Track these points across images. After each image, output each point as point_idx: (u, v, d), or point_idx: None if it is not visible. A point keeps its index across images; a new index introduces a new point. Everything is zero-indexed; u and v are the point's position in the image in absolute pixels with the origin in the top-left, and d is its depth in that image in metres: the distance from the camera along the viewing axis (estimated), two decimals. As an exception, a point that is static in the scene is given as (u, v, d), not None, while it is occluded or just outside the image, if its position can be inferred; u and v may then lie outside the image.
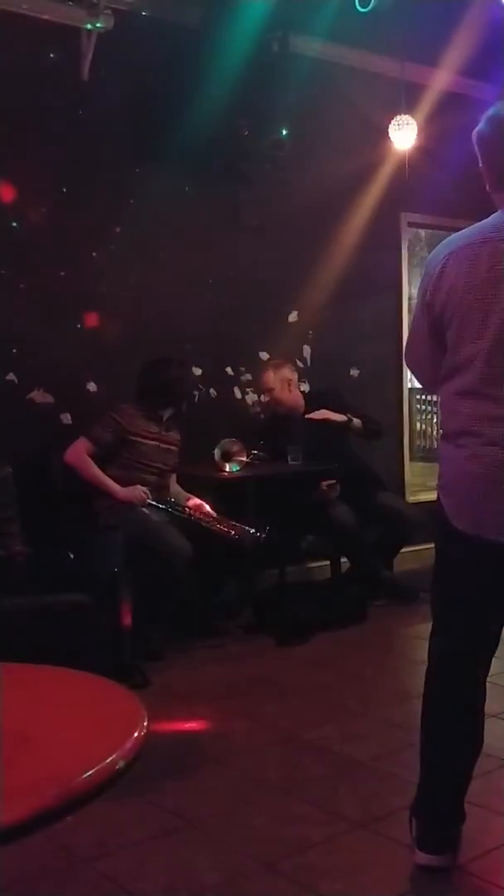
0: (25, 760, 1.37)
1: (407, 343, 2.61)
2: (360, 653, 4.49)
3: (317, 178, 5.62)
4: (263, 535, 4.48)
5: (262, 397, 5.37)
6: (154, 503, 4.48)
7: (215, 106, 4.67)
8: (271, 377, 5.20)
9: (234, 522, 4.51)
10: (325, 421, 5.13)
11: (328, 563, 5.32)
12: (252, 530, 4.46)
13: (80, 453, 4.47)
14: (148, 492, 4.49)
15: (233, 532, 4.47)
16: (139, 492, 4.46)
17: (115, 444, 4.50)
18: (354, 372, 6.02)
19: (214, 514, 4.61)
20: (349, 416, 5.19)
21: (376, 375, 6.12)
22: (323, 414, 5.14)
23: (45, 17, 4.60)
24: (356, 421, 5.21)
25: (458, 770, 2.47)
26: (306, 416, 5.15)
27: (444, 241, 2.43)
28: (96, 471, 4.46)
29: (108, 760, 1.31)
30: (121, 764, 1.32)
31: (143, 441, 4.54)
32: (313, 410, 5.19)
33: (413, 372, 2.70)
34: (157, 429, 4.61)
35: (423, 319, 2.44)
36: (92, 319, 4.91)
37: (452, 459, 2.39)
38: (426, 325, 2.42)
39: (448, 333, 2.36)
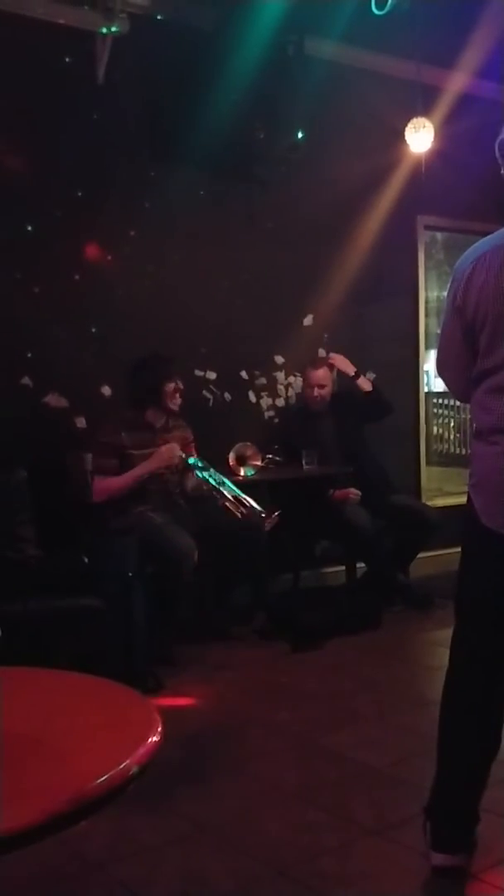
0: (39, 765, 1.36)
1: (438, 349, 2.60)
2: (375, 659, 4.47)
3: (332, 181, 5.61)
4: (270, 519, 4.31)
5: (313, 392, 5.27)
6: (192, 463, 4.42)
7: (230, 109, 4.67)
8: (324, 374, 5.22)
9: (248, 501, 4.32)
10: (331, 366, 5.25)
11: (343, 567, 5.30)
12: (261, 511, 4.30)
13: (99, 489, 4.40)
14: (177, 447, 4.43)
15: (241, 511, 4.31)
16: (168, 452, 4.40)
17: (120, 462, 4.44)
18: (370, 375, 5.99)
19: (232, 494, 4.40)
20: (359, 373, 5.29)
21: (393, 379, 6.08)
22: (338, 359, 5.27)
23: (61, 21, 4.61)
24: (364, 381, 5.27)
25: (476, 770, 2.46)
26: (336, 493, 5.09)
27: (471, 248, 2.46)
28: (121, 480, 4.38)
29: (121, 766, 1.30)
30: (134, 769, 1.31)
31: (136, 453, 4.42)
32: (336, 407, 5.21)
33: (445, 378, 2.66)
34: (149, 435, 4.48)
35: (454, 324, 2.45)
36: (106, 323, 4.91)
37: (484, 457, 2.39)
38: (459, 330, 2.44)
39: (481, 337, 2.38)
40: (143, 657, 3.96)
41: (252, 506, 4.29)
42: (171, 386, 4.52)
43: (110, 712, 1.57)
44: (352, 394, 5.36)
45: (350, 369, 5.27)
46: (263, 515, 4.31)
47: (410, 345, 6.19)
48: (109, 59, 4.70)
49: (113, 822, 2.71)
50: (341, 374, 5.34)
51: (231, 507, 4.30)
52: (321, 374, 5.24)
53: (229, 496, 4.32)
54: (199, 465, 4.43)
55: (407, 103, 5.67)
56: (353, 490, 4.99)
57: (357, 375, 5.27)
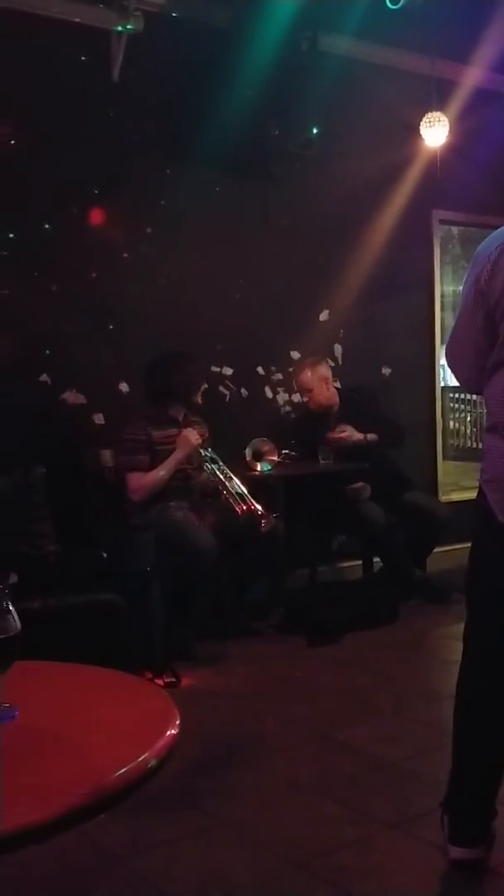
0: (58, 759, 1.38)
1: (453, 335, 2.49)
2: (392, 653, 4.47)
3: (347, 176, 5.61)
4: (265, 522, 4.34)
5: (302, 398, 5.34)
6: (207, 455, 4.46)
7: (245, 106, 4.68)
8: (309, 377, 5.18)
9: (249, 500, 4.37)
10: (342, 440, 5.06)
11: (359, 562, 5.30)
12: (260, 511, 4.34)
13: (138, 487, 4.42)
14: (194, 432, 4.47)
15: (241, 507, 4.34)
16: (188, 437, 4.44)
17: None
18: (386, 370, 6.00)
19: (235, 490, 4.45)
20: (366, 435, 5.09)
21: (408, 374, 6.09)
22: (346, 433, 5.08)
23: (76, 20, 4.63)
24: (370, 436, 5.10)
25: (492, 764, 2.47)
26: (330, 434, 5.09)
27: (496, 232, 2.38)
28: (156, 475, 4.42)
29: (140, 759, 1.31)
30: (153, 763, 1.32)
31: (162, 448, 4.47)
32: (347, 407, 5.19)
33: (456, 365, 2.55)
34: (174, 430, 4.53)
35: (475, 308, 2.36)
36: (123, 320, 4.93)
37: (499, 452, 2.36)
38: (480, 315, 2.35)
39: (502, 325, 2.30)
40: (161, 652, 3.98)
41: (252, 505, 4.32)
42: (203, 384, 4.65)
43: (129, 706, 1.58)
44: (360, 389, 5.35)
45: (358, 436, 5.09)
46: (261, 516, 4.33)
47: (426, 339, 6.18)
48: (124, 58, 4.72)
49: (132, 815, 2.72)
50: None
51: (233, 503, 4.35)
52: (302, 379, 5.22)
53: (234, 492, 4.35)
54: (212, 457, 4.45)
55: (421, 98, 5.66)
56: (361, 483, 4.97)
57: (366, 437, 5.10)
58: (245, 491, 4.40)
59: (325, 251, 5.60)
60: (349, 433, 5.07)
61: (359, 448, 5.08)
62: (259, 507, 4.34)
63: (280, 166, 5.24)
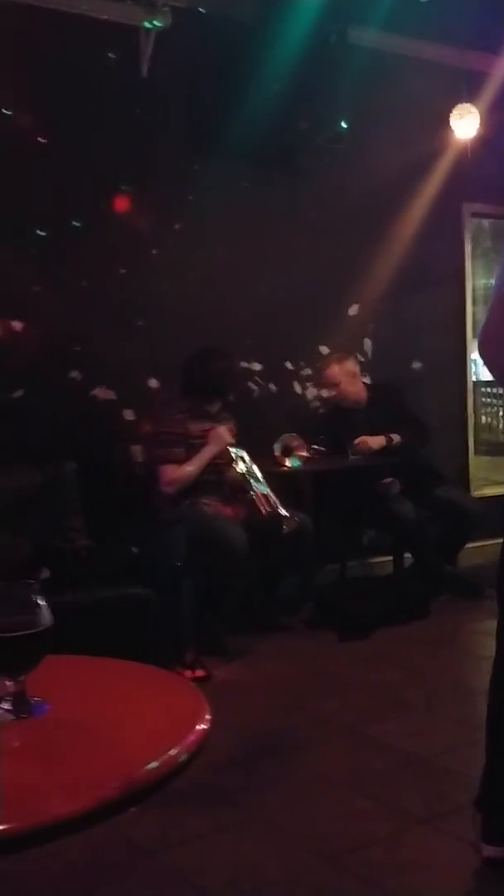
0: (89, 752, 1.38)
1: (485, 328, 2.30)
2: (423, 649, 4.45)
3: (376, 169, 5.58)
4: (288, 524, 4.34)
5: (328, 392, 5.33)
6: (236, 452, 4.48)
7: (273, 100, 4.67)
8: (336, 371, 5.17)
9: (274, 501, 4.38)
10: (365, 444, 5.03)
11: (390, 558, 5.29)
12: (284, 515, 4.35)
13: (171, 480, 4.44)
14: (225, 429, 4.51)
15: (265, 508, 4.36)
16: (221, 433, 4.47)
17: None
18: (417, 365, 5.96)
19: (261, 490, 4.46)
20: (388, 437, 5.06)
21: (439, 368, 6.05)
22: (363, 442, 5.05)
23: (104, 16, 4.65)
24: (395, 438, 5.06)
25: None
26: (354, 443, 5.05)
27: None
28: (188, 469, 4.45)
29: (170, 753, 1.31)
30: (183, 757, 1.32)
31: (197, 442, 4.50)
32: (374, 403, 5.17)
33: (489, 358, 2.34)
34: (208, 424, 4.57)
35: None
36: (152, 316, 4.94)
37: None
38: None
39: None
40: (191, 646, 3.99)
41: (276, 507, 4.33)
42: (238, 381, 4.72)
43: (159, 700, 1.58)
44: (388, 386, 5.33)
45: (378, 442, 5.05)
46: (284, 518, 4.33)
47: (457, 333, 6.14)
48: (153, 54, 4.73)
49: (163, 809, 2.74)
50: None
51: (258, 503, 4.36)
52: (329, 373, 5.21)
53: (260, 492, 4.36)
54: (241, 455, 4.46)
55: (451, 90, 5.63)
56: (391, 479, 4.94)
57: (390, 440, 5.07)
58: (270, 491, 4.40)
59: (355, 245, 5.58)
60: (366, 443, 5.03)
61: (385, 450, 5.06)
62: (283, 509, 4.36)
63: (309, 160, 5.23)
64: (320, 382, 5.40)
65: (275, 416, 5.20)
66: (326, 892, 2.41)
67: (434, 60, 5.74)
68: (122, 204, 4.84)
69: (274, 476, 4.66)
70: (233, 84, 4.72)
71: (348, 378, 5.18)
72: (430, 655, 4.37)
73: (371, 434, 5.07)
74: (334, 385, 5.19)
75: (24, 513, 4.14)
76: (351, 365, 5.22)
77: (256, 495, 4.38)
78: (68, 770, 1.32)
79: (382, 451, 5.06)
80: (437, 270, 6.01)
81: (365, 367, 5.56)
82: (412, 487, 5.04)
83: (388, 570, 5.36)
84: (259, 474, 4.46)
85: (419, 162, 5.80)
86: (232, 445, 4.50)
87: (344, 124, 5.03)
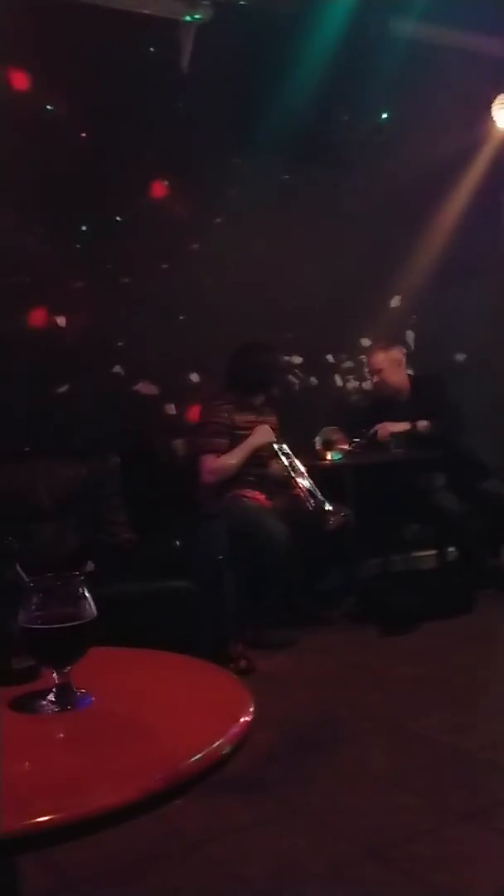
0: (133, 744, 1.39)
1: None
2: (467, 642, 4.42)
3: (417, 161, 5.52)
4: (336, 519, 4.35)
5: (371, 379, 5.31)
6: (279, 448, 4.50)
7: (314, 93, 4.66)
8: (381, 358, 5.16)
9: (319, 495, 4.39)
10: (385, 430, 5.01)
11: (434, 551, 5.25)
12: (330, 510, 4.35)
13: (212, 469, 4.48)
14: (268, 427, 4.52)
15: (309, 503, 4.36)
16: (264, 431, 4.49)
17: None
18: (460, 356, 5.92)
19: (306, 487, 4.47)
20: (413, 423, 5.01)
21: (484, 359, 6.00)
22: (384, 428, 5.02)
23: (145, 11, 4.66)
24: (422, 424, 5.01)
25: None
26: (369, 431, 5.04)
27: None
28: (230, 460, 4.48)
29: (214, 745, 1.31)
30: (227, 749, 1.32)
31: (241, 433, 4.54)
32: (418, 395, 5.13)
33: None
34: (253, 416, 4.60)
35: None
36: (194, 311, 4.95)
37: None
38: None
39: None
40: (234, 639, 4.00)
41: (321, 501, 4.32)
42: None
43: (203, 692, 1.59)
44: (435, 377, 5.28)
45: (402, 427, 5.03)
46: (329, 513, 4.32)
47: (502, 324, 6.07)
48: (193, 48, 4.73)
49: (208, 802, 2.76)
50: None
51: (303, 497, 4.36)
52: (374, 359, 5.19)
53: (304, 486, 4.35)
54: (285, 450, 4.46)
55: (493, 79, 5.56)
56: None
57: (413, 427, 5.03)
58: (314, 486, 4.40)
59: (396, 237, 5.54)
60: (388, 428, 5.00)
61: (410, 437, 5.01)
62: (328, 504, 4.34)
63: (349, 152, 5.20)
64: (366, 369, 5.37)
65: (315, 409, 5.19)
66: (369, 886, 2.40)
67: (475, 50, 5.67)
68: (163, 198, 4.86)
69: (315, 470, 4.66)
70: (273, 77, 4.71)
71: (392, 366, 5.15)
72: (474, 650, 4.34)
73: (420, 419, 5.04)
74: (377, 372, 5.17)
75: (69, 507, 4.19)
76: (396, 353, 5.20)
77: (301, 490, 4.38)
78: (113, 761, 1.33)
79: (408, 436, 5.00)
80: (479, 261, 5.94)
81: (407, 359, 5.52)
82: (456, 480, 5.00)
83: (431, 564, 5.33)
84: (302, 468, 4.46)
85: (460, 152, 5.74)
86: (276, 442, 4.51)
87: (384, 116, 4.99)
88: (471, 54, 5.66)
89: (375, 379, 5.22)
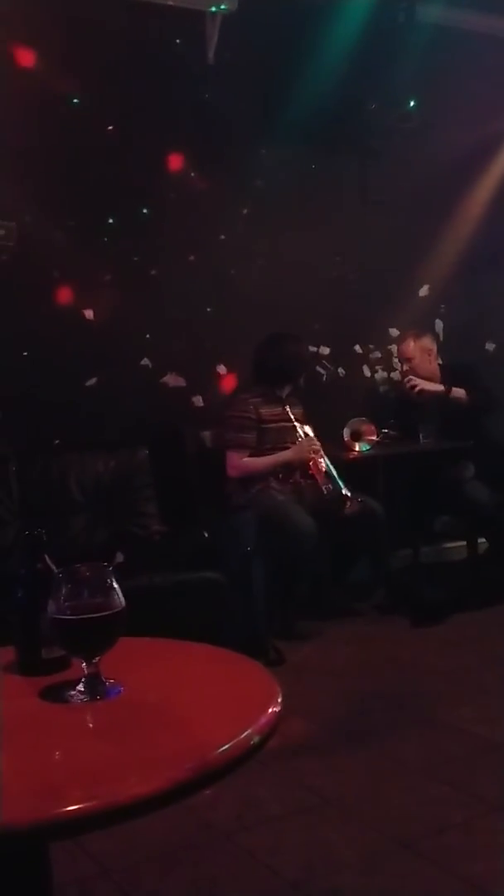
0: (162, 734, 1.39)
1: None
2: (499, 634, 4.38)
3: (446, 148, 5.47)
4: (351, 505, 4.36)
5: (402, 367, 5.28)
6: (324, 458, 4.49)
7: (341, 81, 4.62)
8: (412, 346, 5.12)
9: (336, 479, 4.42)
10: (421, 392, 4.97)
11: (464, 543, 5.22)
12: (346, 494, 4.37)
13: (238, 466, 4.48)
14: (308, 447, 4.48)
15: (326, 486, 4.40)
16: (304, 448, 4.46)
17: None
18: (490, 346, 5.87)
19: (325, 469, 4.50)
20: (449, 388, 4.96)
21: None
22: (419, 384, 4.99)
23: (170, 2, 4.65)
24: (457, 391, 4.94)
25: None
26: (406, 381, 5.02)
27: None
28: (260, 462, 4.48)
29: (242, 735, 1.31)
30: (255, 739, 1.32)
31: (268, 426, 4.53)
32: (449, 384, 5.09)
33: None
34: (279, 408, 4.58)
35: None
36: (221, 303, 4.95)
37: None
38: None
39: None
40: (263, 630, 4.00)
41: (339, 485, 4.32)
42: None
43: (231, 683, 1.59)
44: (467, 364, 5.23)
45: (436, 387, 5.00)
46: (347, 497, 4.31)
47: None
48: (219, 38, 4.71)
49: (239, 792, 2.76)
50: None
51: (319, 478, 4.40)
52: (404, 347, 5.16)
53: (321, 467, 4.41)
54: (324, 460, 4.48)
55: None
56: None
57: (448, 390, 4.99)
58: (334, 471, 4.41)
59: (425, 225, 5.50)
60: (420, 384, 4.97)
61: (442, 403, 4.97)
62: (346, 490, 4.36)
63: (378, 140, 5.16)
64: (395, 358, 5.34)
65: (343, 400, 5.17)
66: (402, 877, 2.40)
67: (503, 35, 5.60)
68: (189, 190, 4.85)
69: (343, 461, 4.64)
70: (300, 66, 4.68)
71: (423, 355, 5.11)
72: (506, 641, 4.31)
73: (444, 419, 5.00)
74: (408, 360, 5.13)
75: (99, 499, 4.20)
76: (427, 342, 5.16)
77: (318, 472, 4.39)
78: (142, 751, 1.33)
79: (440, 400, 4.97)
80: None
81: (437, 349, 5.48)
82: (487, 470, 4.96)
83: (462, 555, 5.30)
84: (323, 454, 4.46)
85: (489, 139, 5.68)
86: (311, 458, 4.47)
87: (413, 103, 4.95)
88: (500, 39, 5.59)
89: (405, 368, 5.19)
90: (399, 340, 5.30)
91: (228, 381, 4.97)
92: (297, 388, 4.73)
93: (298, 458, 4.49)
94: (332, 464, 4.51)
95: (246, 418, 4.50)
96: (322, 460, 4.46)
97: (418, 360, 5.10)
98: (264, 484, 4.46)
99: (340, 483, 4.40)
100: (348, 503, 4.36)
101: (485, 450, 5.00)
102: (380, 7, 4.64)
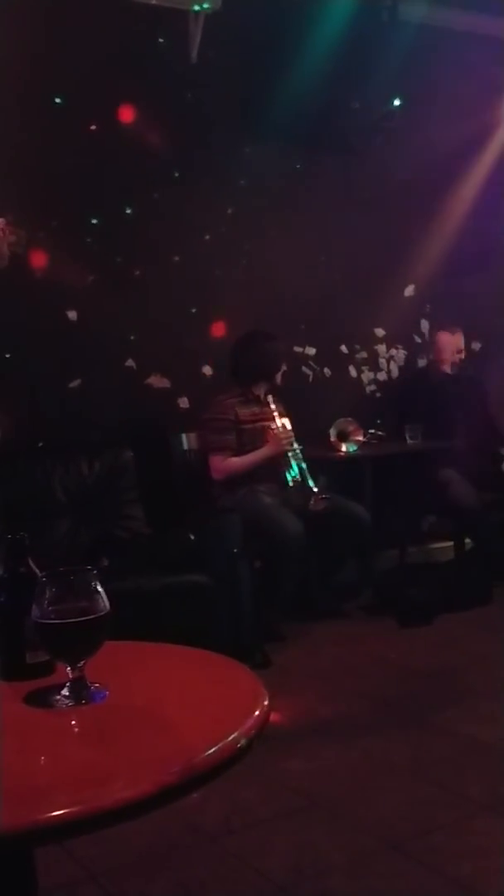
0: (148, 738, 1.38)
1: None
2: (485, 634, 4.39)
3: (430, 147, 5.46)
4: (317, 501, 4.36)
5: (428, 356, 5.32)
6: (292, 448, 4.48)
7: (324, 80, 4.61)
8: (446, 339, 5.20)
9: (306, 476, 4.43)
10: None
11: (451, 543, 5.22)
12: (312, 490, 4.37)
13: (221, 468, 4.47)
14: (283, 437, 4.48)
15: (293, 481, 4.43)
16: (279, 439, 4.45)
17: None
18: (476, 346, 5.87)
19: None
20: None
21: (501, 348, 5.94)
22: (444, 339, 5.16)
23: (153, 1, 4.63)
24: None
25: None
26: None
27: None
28: (241, 461, 4.47)
29: (229, 738, 1.30)
30: (242, 742, 1.31)
31: (246, 426, 4.51)
32: (461, 383, 5.15)
33: None
34: (258, 408, 4.56)
35: None
36: (206, 303, 4.93)
37: None
38: None
39: None
40: (249, 632, 3.99)
41: (306, 480, 4.36)
42: (284, 363, 4.69)
43: (217, 685, 1.58)
44: (475, 377, 5.29)
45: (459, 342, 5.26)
46: (315, 493, 4.33)
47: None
48: (202, 38, 4.70)
49: (226, 795, 2.75)
50: None
51: (285, 472, 4.43)
52: (440, 336, 5.26)
53: (296, 466, 4.43)
54: (299, 454, 4.48)
55: (505, 63, 5.49)
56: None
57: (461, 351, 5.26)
58: (304, 465, 4.43)
59: (409, 224, 5.50)
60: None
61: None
62: (313, 485, 4.38)
63: (361, 139, 5.16)
64: (439, 345, 5.37)
65: (329, 400, 5.16)
66: (390, 878, 2.39)
67: (487, 33, 5.60)
68: (173, 190, 4.83)
69: (329, 462, 4.63)
70: (283, 65, 4.67)
71: (450, 351, 5.18)
72: (492, 641, 4.30)
73: (463, 409, 5.08)
74: (438, 351, 5.20)
75: (84, 502, 4.18)
76: (459, 339, 5.22)
77: (288, 466, 4.40)
78: (128, 755, 1.32)
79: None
80: (494, 249, 5.89)
81: (423, 349, 5.50)
82: (475, 470, 4.97)
83: (449, 556, 5.30)
84: (300, 454, 4.48)
85: (474, 138, 5.68)
86: (289, 448, 4.46)
87: (396, 102, 4.96)
88: (483, 38, 5.59)
89: (432, 357, 5.28)
90: (433, 332, 5.38)
91: (215, 383, 4.95)
92: (274, 385, 4.68)
93: (277, 450, 4.47)
94: (316, 463, 4.49)
95: (225, 419, 4.48)
96: (292, 451, 4.44)
97: (447, 355, 5.15)
98: (251, 486, 4.45)
99: (309, 477, 4.39)
100: (313, 499, 4.35)
101: (471, 450, 5.01)
102: (363, 6, 4.63)
